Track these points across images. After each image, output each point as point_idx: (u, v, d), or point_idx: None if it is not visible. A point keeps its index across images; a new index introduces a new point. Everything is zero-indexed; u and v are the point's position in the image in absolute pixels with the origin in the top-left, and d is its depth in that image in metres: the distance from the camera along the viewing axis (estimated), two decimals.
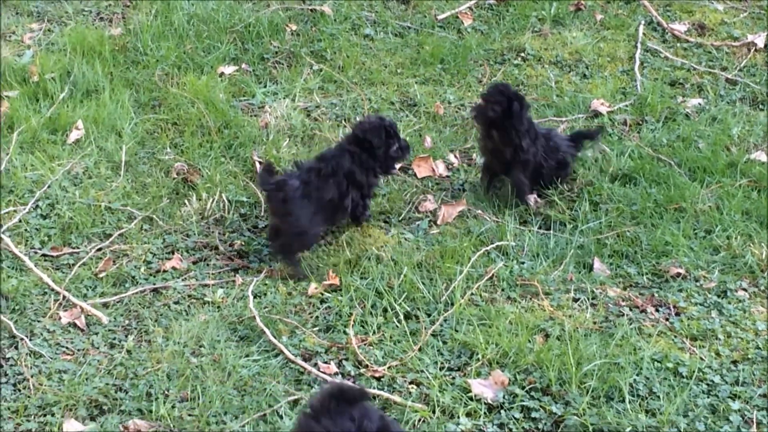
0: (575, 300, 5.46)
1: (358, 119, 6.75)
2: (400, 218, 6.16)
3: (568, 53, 7.92)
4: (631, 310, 5.38)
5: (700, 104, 7.25)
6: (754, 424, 4.61)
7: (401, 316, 5.29)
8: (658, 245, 5.82)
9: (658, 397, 4.75)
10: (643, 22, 8.22)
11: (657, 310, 5.38)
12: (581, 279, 5.61)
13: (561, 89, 7.49)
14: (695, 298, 5.46)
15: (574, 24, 8.30)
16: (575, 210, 6.17)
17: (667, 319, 5.31)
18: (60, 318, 5.36)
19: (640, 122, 7.07)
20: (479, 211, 6.16)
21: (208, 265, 5.83)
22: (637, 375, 4.87)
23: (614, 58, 7.88)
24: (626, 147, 6.72)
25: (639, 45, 7.96)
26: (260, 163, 6.60)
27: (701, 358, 5.01)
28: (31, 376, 4.94)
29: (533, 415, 4.69)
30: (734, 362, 5.00)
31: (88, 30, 8.03)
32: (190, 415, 4.70)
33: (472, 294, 5.45)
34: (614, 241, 5.90)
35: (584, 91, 7.45)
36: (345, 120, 7.12)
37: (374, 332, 5.22)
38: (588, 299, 5.45)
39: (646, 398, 4.77)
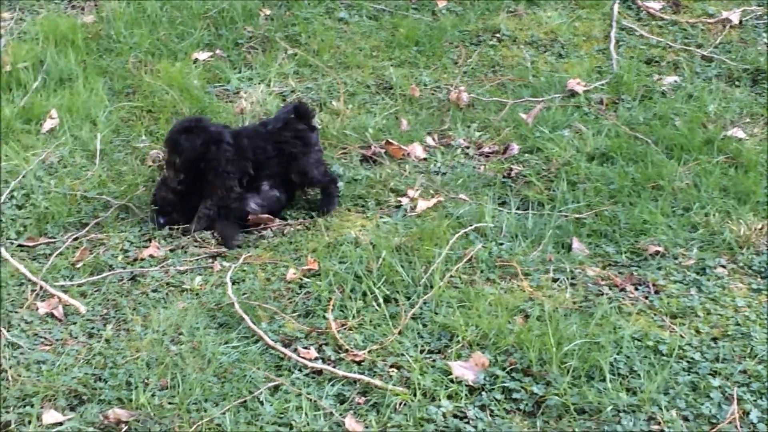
0: (554, 280, 5.45)
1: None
2: (378, 203, 6.14)
3: (543, 33, 7.91)
4: (610, 289, 5.38)
5: (676, 82, 7.25)
6: (735, 401, 4.61)
7: (380, 300, 5.27)
8: (637, 224, 5.82)
9: (639, 375, 4.75)
10: (617, 0, 8.21)
11: (636, 289, 5.38)
12: (560, 259, 5.60)
13: (537, 69, 7.48)
14: (674, 275, 5.46)
15: (549, 3, 8.28)
16: (553, 190, 6.17)
17: (646, 298, 5.31)
18: (37, 308, 5.33)
19: (617, 101, 7.07)
20: (461, 196, 6.14)
21: (185, 252, 5.80)
22: (618, 354, 4.86)
23: (589, 37, 7.87)
24: (603, 126, 6.72)
25: (614, 23, 7.95)
26: None
27: (681, 336, 5.01)
28: (10, 368, 4.90)
29: (514, 396, 4.69)
30: (714, 339, 5.00)
31: (60, 18, 7.97)
32: (170, 403, 4.68)
33: (451, 276, 5.43)
34: (592, 221, 5.89)
35: (560, 70, 7.44)
36: (321, 104, 7.09)
37: (354, 316, 5.20)
38: (567, 279, 5.44)
39: (627, 377, 4.76)
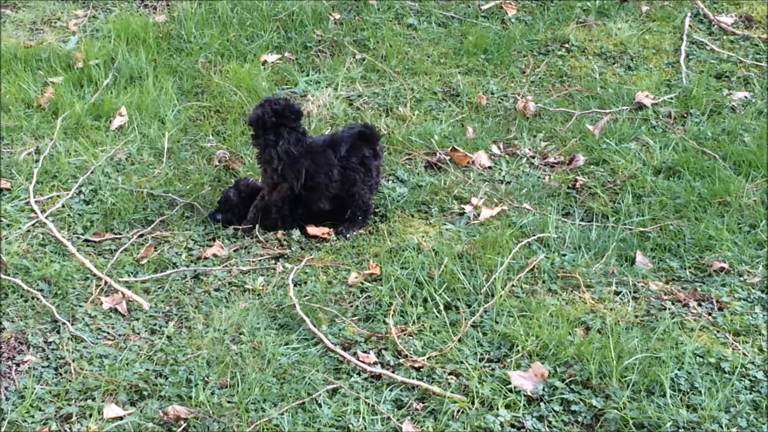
0: (617, 293, 5.42)
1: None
2: (441, 210, 6.14)
3: (612, 45, 7.87)
4: (673, 304, 5.33)
5: (746, 97, 7.18)
6: None
7: (441, 307, 5.28)
8: (702, 239, 5.76)
9: (700, 392, 4.71)
10: (689, 14, 8.15)
11: (699, 305, 5.33)
12: (623, 272, 5.56)
13: (605, 81, 7.44)
14: (739, 293, 5.40)
15: (620, 15, 8.24)
16: (618, 202, 6.13)
17: (709, 314, 5.26)
18: (101, 303, 5.38)
19: (685, 115, 7.01)
20: (524, 205, 6.12)
21: (248, 252, 5.84)
22: (679, 369, 4.82)
23: (659, 50, 7.82)
24: (670, 140, 6.67)
25: (685, 37, 7.89)
26: None
27: (744, 354, 4.95)
28: (73, 361, 4.96)
29: (573, 408, 4.66)
30: None
31: (132, 17, 8.07)
32: (229, 401, 4.71)
33: (512, 286, 5.42)
34: (657, 235, 5.85)
35: (629, 83, 7.40)
36: (387, 110, 7.11)
37: (414, 322, 5.20)
38: (630, 292, 5.41)
39: (688, 393, 4.72)
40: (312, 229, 5.98)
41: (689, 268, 5.62)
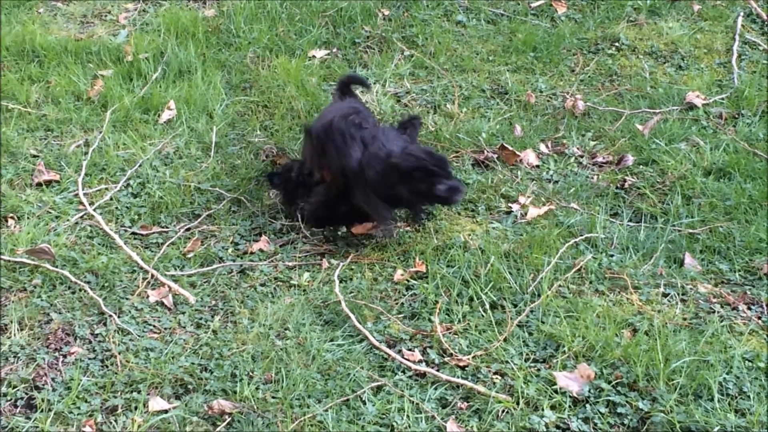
0: (665, 295, 5.37)
1: None
2: (488, 208, 6.11)
3: (663, 44, 7.80)
4: (722, 307, 5.28)
5: None
6: None
7: (487, 306, 5.25)
8: (752, 242, 5.70)
9: (749, 396, 4.66)
10: (741, 13, 8.07)
11: (749, 308, 5.27)
12: (671, 274, 5.51)
13: (655, 80, 7.38)
14: None
15: (671, 14, 8.17)
16: (667, 203, 6.07)
17: (759, 318, 5.20)
18: (148, 296, 5.40)
19: (736, 116, 6.93)
20: (572, 205, 6.08)
21: (294, 248, 5.83)
22: (727, 374, 4.77)
23: (711, 49, 7.74)
24: (721, 141, 6.60)
25: (737, 37, 7.81)
26: None
27: None
28: (119, 353, 4.99)
29: (619, 410, 4.63)
30: None
31: (182, 11, 8.10)
32: (273, 397, 4.71)
33: (559, 286, 5.39)
34: (706, 237, 5.78)
35: (679, 82, 7.33)
36: (435, 106, 7.09)
37: (459, 321, 5.18)
38: (678, 295, 5.36)
39: (736, 398, 4.67)
40: (356, 228, 5.97)
41: (739, 270, 5.56)
